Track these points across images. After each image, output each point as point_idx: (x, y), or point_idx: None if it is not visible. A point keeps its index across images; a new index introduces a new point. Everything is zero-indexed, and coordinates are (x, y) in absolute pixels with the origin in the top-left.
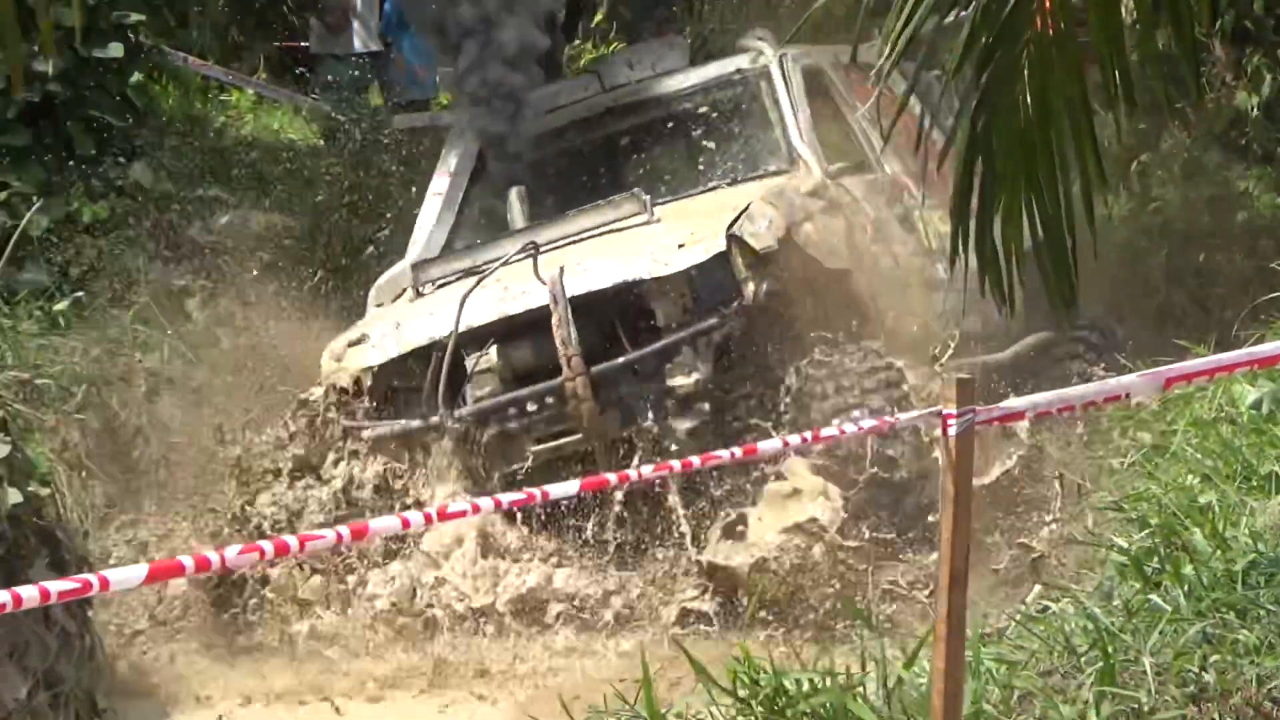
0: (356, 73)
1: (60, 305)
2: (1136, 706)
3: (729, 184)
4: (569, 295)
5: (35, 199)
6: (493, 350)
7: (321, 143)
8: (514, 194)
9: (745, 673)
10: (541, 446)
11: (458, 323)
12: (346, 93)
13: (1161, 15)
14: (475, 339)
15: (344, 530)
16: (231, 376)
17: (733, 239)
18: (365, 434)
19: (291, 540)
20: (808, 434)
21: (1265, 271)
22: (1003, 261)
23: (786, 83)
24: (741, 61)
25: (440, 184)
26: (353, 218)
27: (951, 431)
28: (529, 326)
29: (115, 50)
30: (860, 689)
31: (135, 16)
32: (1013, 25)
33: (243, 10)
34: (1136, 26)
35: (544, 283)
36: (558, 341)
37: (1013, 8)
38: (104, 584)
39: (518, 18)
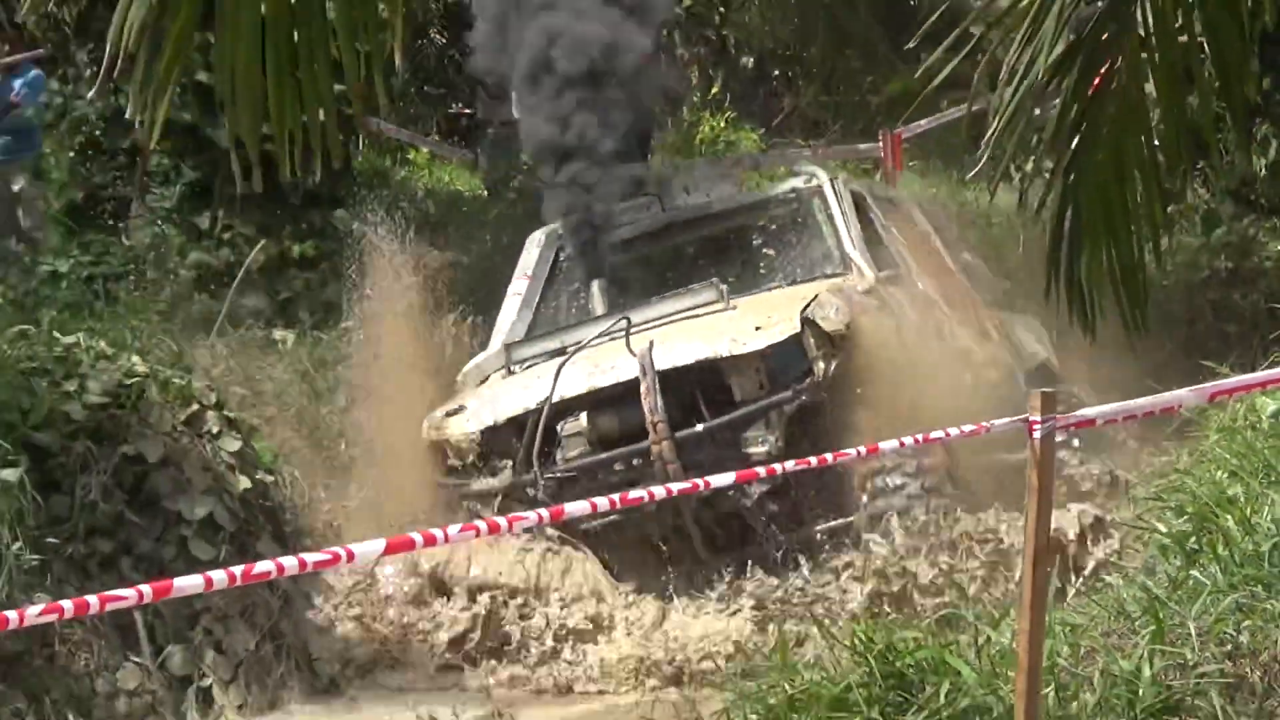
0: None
1: (278, 333)
2: (1182, 662)
3: (789, 284)
4: (656, 368)
5: (255, 239)
6: (582, 417)
7: (485, 194)
8: (596, 285)
9: (863, 632)
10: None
11: (553, 391)
12: (506, 151)
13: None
14: (565, 409)
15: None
16: (415, 388)
17: (806, 321)
18: (466, 489)
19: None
20: (917, 436)
21: (1274, 309)
22: (1087, 295)
23: (839, 199)
24: (797, 183)
25: (519, 285)
26: (512, 257)
27: (1036, 435)
28: (616, 398)
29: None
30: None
31: (340, 87)
32: (1098, 100)
33: (422, 82)
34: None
35: (635, 355)
36: (645, 409)
37: (1096, 88)
38: (350, 556)
39: (611, 141)
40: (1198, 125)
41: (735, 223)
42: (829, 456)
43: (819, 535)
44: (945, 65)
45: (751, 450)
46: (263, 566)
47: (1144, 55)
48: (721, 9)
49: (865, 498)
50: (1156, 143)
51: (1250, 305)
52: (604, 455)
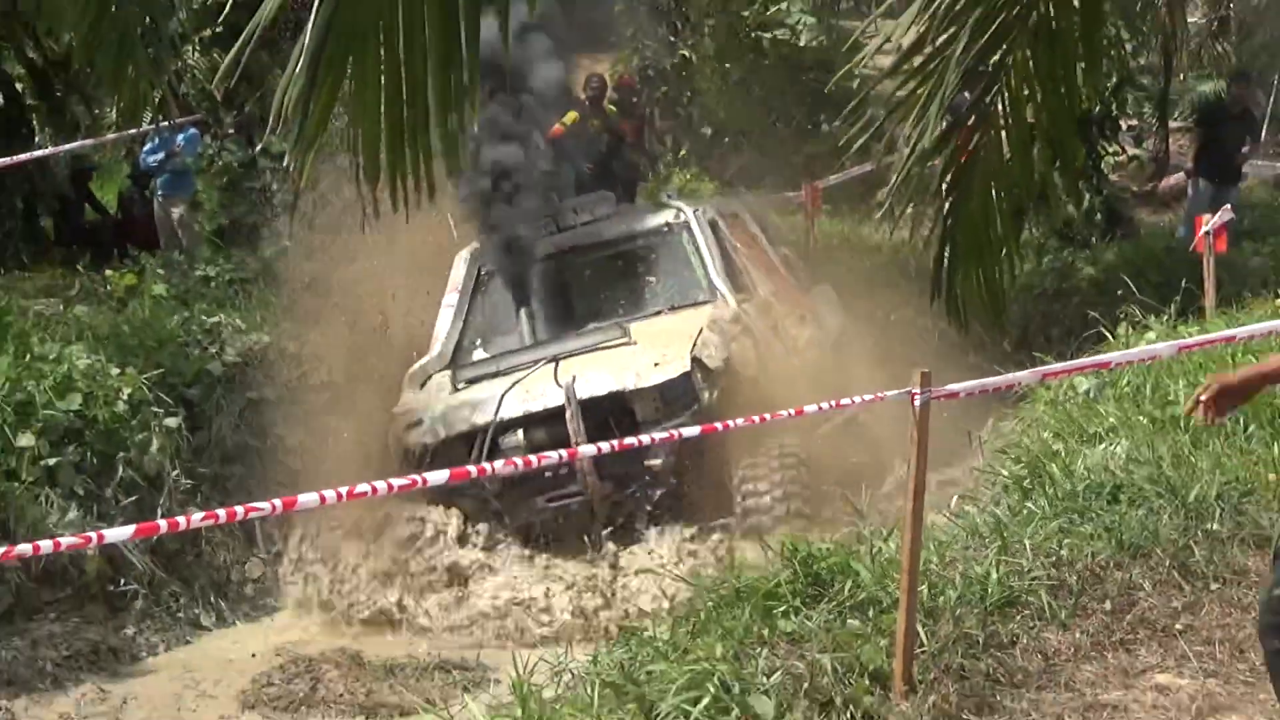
0: None
1: None
2: (1019, 569)
3: (670, 309)
4: (578, 398)
5: None
6: (520, 434)
7: None
8: (524, 314)
9: (790, 544)
10: (552, 503)
11: (497, 415)
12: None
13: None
14: (505, 427)
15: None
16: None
17: (695, 360)
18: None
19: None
20: (793, 410)
21: (1085, 316)
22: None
23: (702, 231)
24: (668, 216)
25: (451, 298)
26: None
27: (917, 403)
28: (546, 418)
29: None
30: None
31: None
32: (969, 164)
33: None
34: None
35: (561, 387)
36: (570, 432)
37: (968, 155)
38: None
39: (535, 171)
40: (1040, 182)
41: (620, 249)
42: (715, 426)
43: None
44: (852, 136)
45: (651, 463)
46: (363, 488)
47: (1002, 132)
48: (688, 94)
49: (739, 499)
50: (1012, 193)
51: (1069, 314)
52: (535, 467)
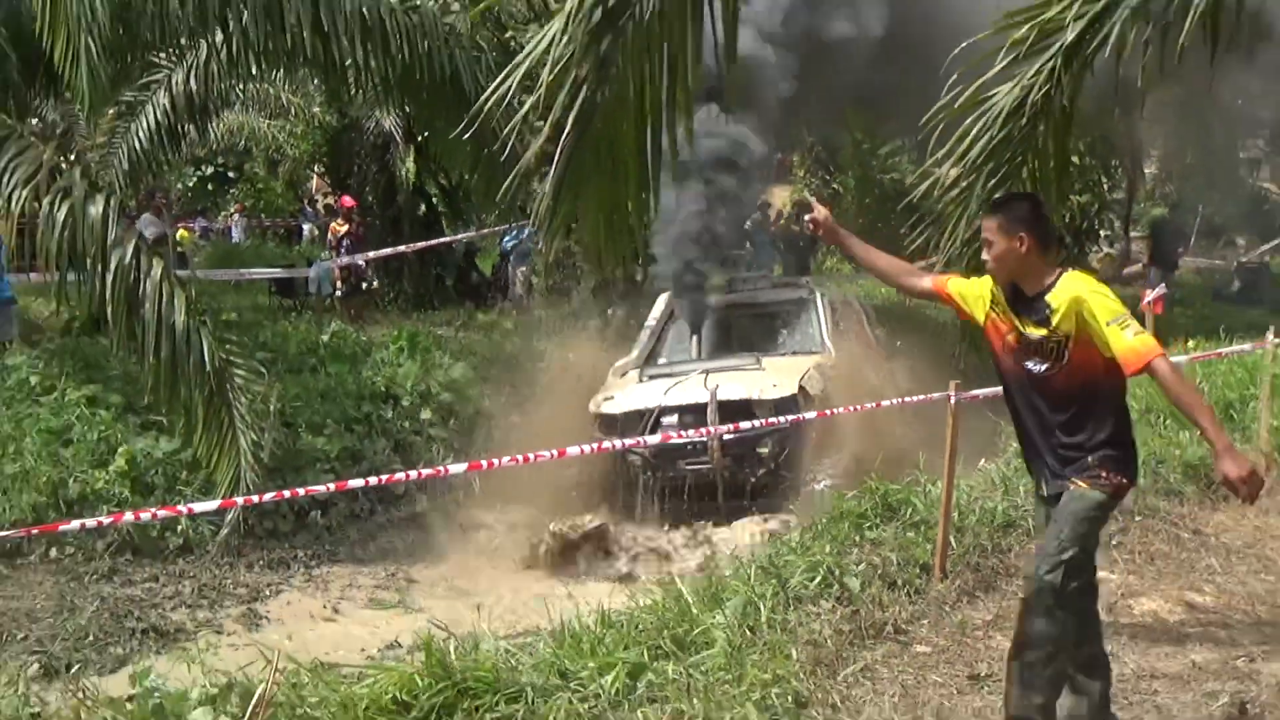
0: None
1: None
2: (1015, 504)
3: (792, 353)
4: (719, 399)
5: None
6: (675, 416)
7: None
8: (694, 340)
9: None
10: (689, 467)
11: (662, 400)
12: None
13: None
14: (667, 410)
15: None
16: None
17: (801, 388)
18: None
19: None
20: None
21: None
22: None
23: (823, 305)
24: (803, 292)
25: (649, 325)
26: None
27: (952, 401)
28: (695, 408)
29: None
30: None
31: None
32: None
33: None
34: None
35: (708, 389)
36: (709, 419)
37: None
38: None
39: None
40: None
41: (767, 309)
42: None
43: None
44: (914, 239)
45: (761, 450)
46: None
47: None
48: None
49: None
50: None
51: None
52: (683, 440)
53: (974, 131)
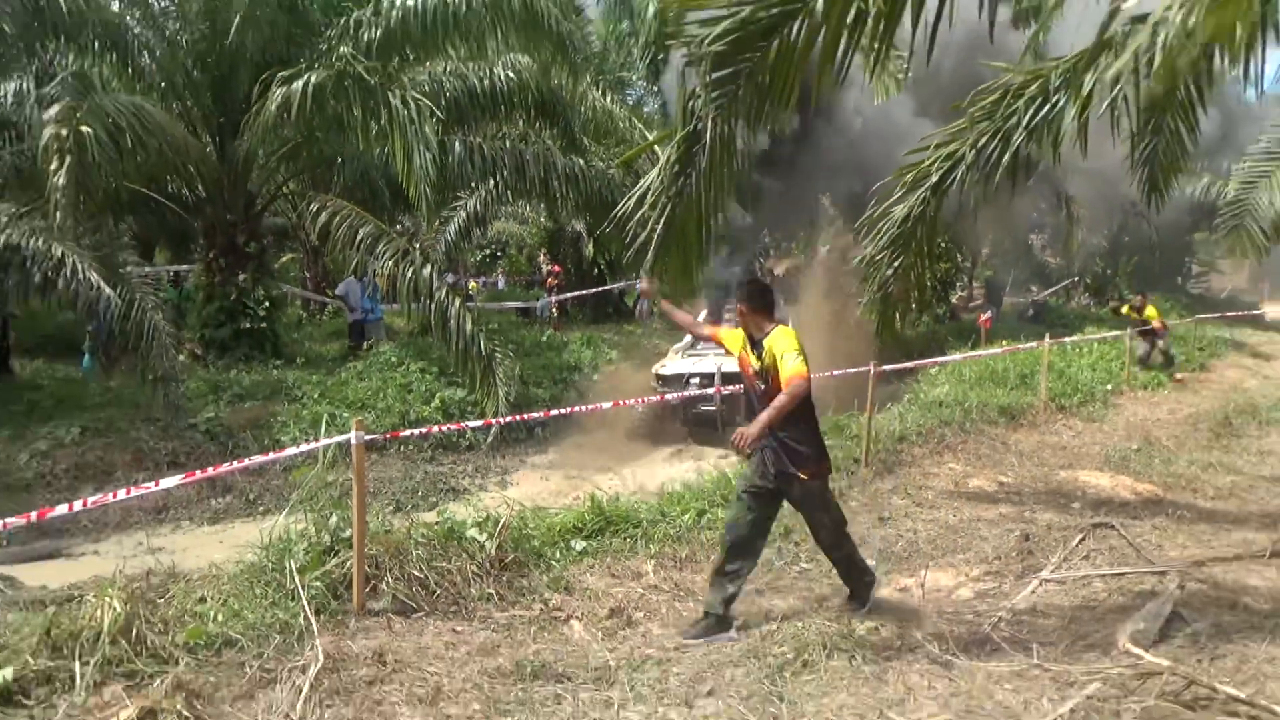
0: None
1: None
2: (909, 426)
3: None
4: (722, 370)
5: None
6: (698, 379)
7: None
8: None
9: (834, 418)
10: (705, 409)
11: (692, 368)
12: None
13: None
14: (694, 374)
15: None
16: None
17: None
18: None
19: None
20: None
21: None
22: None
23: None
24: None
25: (700, 315)
26: None
27: (872, 372)
28: (710, 375)
29: None
30: (851, 423)
31: None
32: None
33: None
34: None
35: (716, 365)
36: (715, 380)
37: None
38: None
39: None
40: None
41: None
42: None
43: None
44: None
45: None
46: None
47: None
48: None
49: None
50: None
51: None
52: (697, 393)
53: (883, 228)
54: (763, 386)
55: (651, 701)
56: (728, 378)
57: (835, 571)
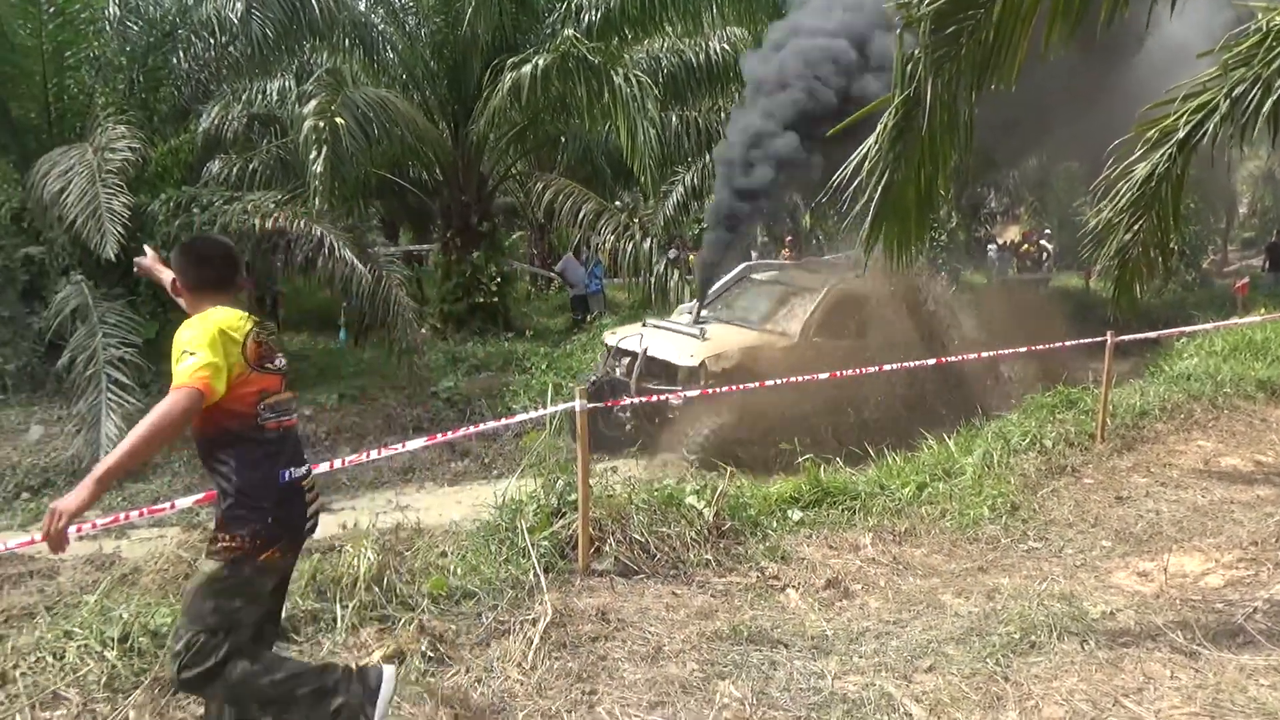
0: None
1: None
2: (1151, 400)
3: (756, 326)
4: (648, 355)
5: None
6: (624, 359)
7: None
8: (697, 302)
9: (1063, 391)
10: (625, 400)
11: (617, 345)
12: None
13: None
14: (617, 351)
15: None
16: None
17: (702, 363)
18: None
19: None
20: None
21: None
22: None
23: (806, 295)
24: (811, 277)
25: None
26: None
27: (1109, 344)
28: (634, 356)
29: None
30: (1085, 396)
31: None
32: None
33: None
34: None
35: (641, 348)
36: (636, 368)
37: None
38: None
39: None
40: None
41: (772, 287)
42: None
43: None
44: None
45: (672, 402)
46: None
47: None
48: None
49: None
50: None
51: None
52: (612, 378)
53: (1121, 189)
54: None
55: (869, 673)
56: (655, 365)
57: None
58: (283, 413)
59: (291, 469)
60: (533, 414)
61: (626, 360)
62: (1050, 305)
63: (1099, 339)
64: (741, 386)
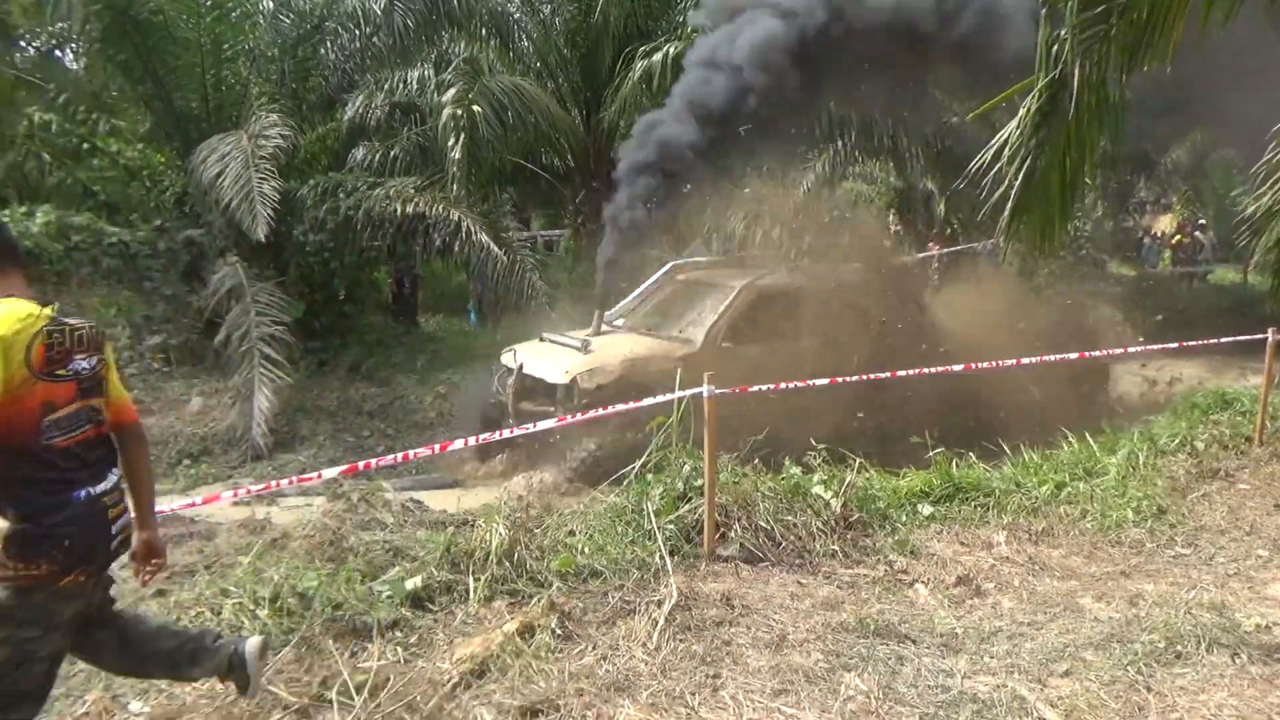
0: None
1: None
2: None
3: (647, 334)
4: (523, 372)
5: None
6: (506, 375)
7: None
8: (596, 313)
9: (1217, 391)
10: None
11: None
12: None
13: None
14: (498, 368)
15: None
16: None
17: (574, 380)
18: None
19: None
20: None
21: None
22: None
23: (718, 297)
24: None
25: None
26: None
27: (1270, 340)
28: (509, 373)
29: None
30: (1235, 393)
31: None
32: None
33: None
34: None
35: (516, 364)
36: (511, 385)
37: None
38: None
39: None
40: None
41: (686, 291)
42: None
43: None
44: None
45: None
46: None
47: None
48: None
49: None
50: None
51: None
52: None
53: None
54: None
55: (1000, 674)
56: (531, 383)
57: None
58: (72, 428)
59: (90, 487)
60: (661, 398)
61: (510, 379)
62: (1107, 306)
63: (1245, 338)
64: (613, 408)
